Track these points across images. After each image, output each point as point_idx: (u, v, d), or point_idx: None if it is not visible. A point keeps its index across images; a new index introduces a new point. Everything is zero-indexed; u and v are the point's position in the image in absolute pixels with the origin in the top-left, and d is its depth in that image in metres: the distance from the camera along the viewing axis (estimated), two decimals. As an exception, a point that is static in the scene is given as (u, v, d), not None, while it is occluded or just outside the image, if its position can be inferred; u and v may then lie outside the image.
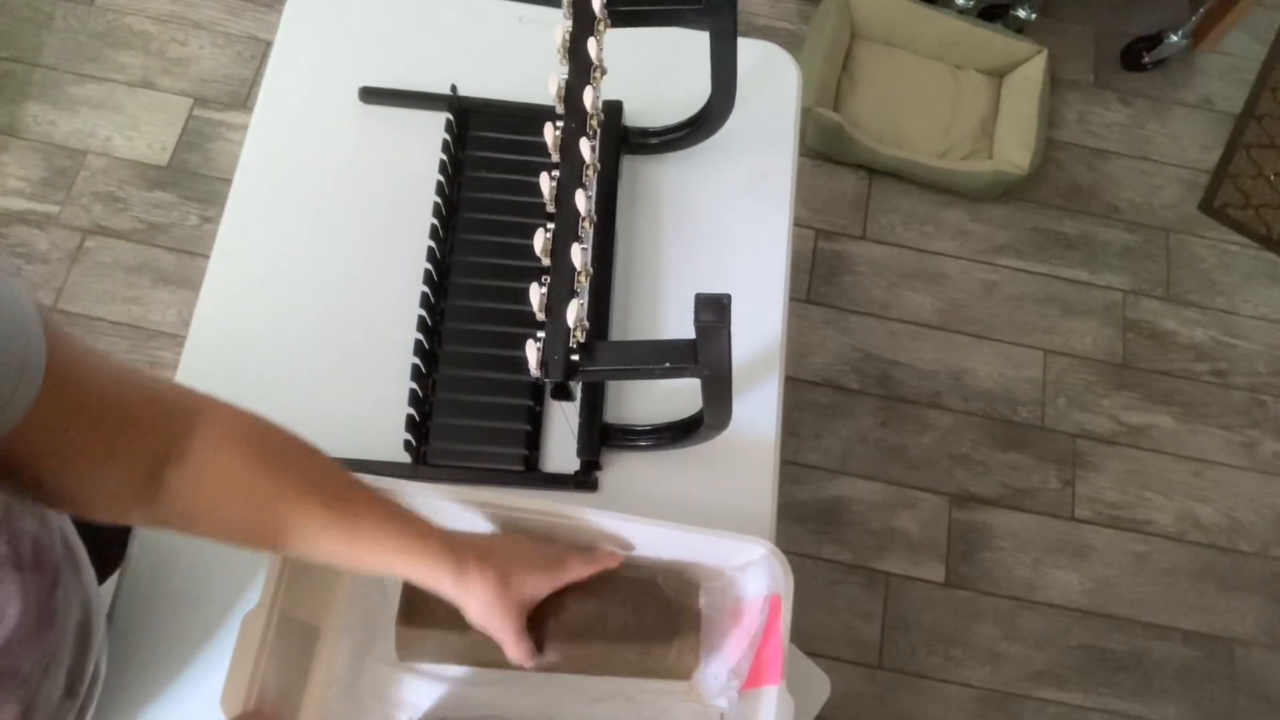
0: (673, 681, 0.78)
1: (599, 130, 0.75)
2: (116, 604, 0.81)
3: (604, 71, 0.76)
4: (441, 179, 0.95)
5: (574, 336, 0.67)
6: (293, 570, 0.73)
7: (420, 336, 0.88)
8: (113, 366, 0.53)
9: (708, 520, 0.76)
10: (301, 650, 0.77)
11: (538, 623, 0.71)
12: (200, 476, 0.57)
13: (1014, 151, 1.85)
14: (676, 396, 0.90)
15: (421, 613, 0.74)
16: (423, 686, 0.78)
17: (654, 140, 0.99)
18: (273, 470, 0.60)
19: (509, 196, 0.95)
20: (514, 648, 0.69)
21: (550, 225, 0.71)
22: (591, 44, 0.75)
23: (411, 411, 0.86)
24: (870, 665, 1.60)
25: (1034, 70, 1.92)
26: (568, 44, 0.76)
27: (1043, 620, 1.65)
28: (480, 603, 0.66)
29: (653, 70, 1.03)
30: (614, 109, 0.99)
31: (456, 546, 0.66)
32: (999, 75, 1.99)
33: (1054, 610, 1.66)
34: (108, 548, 0.79)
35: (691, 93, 0.96)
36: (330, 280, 0.94)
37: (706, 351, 0.64)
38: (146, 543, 0.83)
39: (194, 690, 0.79)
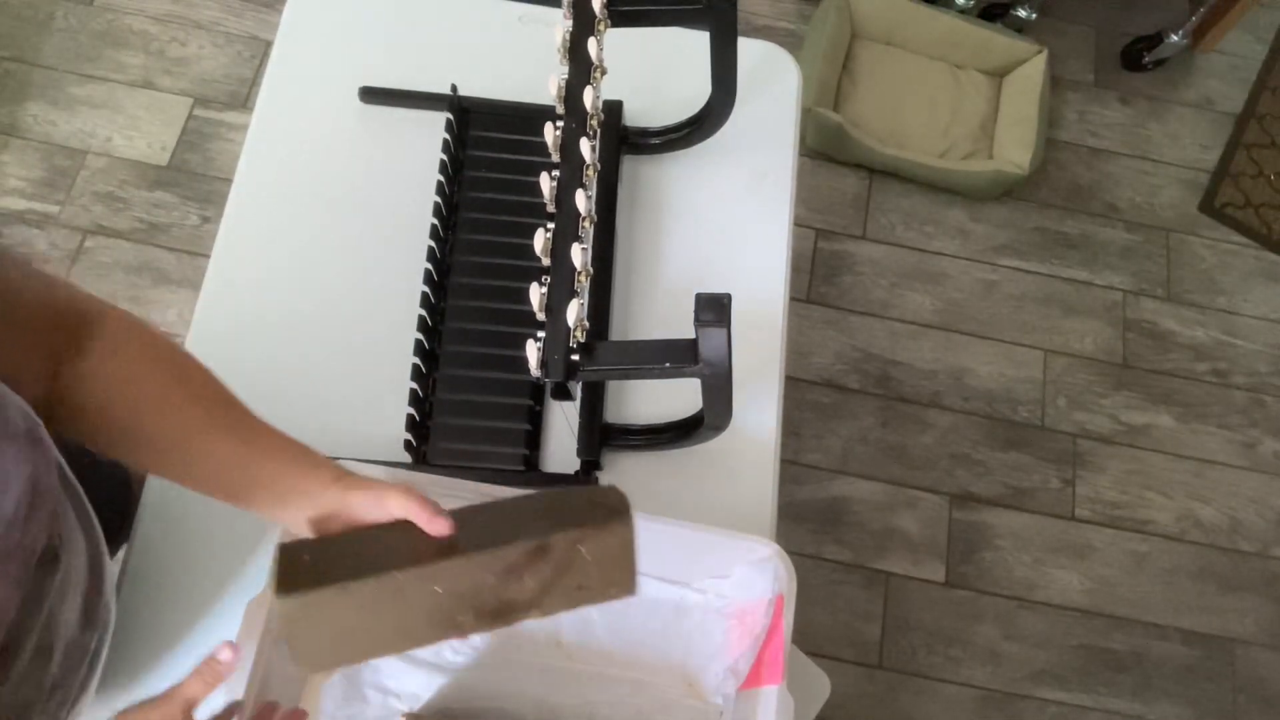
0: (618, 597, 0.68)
1: (599, 130, 0.75)
2: (121, 588, 0.81)
3: (604, 71, 0.76)
4: (441, 179, 0.95)
5: (574, 336, 0.67)
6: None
7: (420, 336, 0.88)
8: (15, 265, 0.56)
9: (708, 520, 0.76)
10: None
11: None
12: (96, 373, 0.60)
13: (1014, 151, 1.85)
14: (676, 396, 0.90)
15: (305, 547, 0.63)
16: (423, 678, 0.78)
17: (654, 140, 0.99)
18: (166, 374, 0.64)
19: (509, 196, 0.95)
20: (416, 502, 0.62)
21: (550, 225, 0.71)
22: (591, 44, 0.75)
23: (412, 411, 0.86)
24: (870, 665, 1.60)
25: (1034, 70, 1.92)
26: (568, 44, 0.76)
27: (1043, 620, 1.65)
28: (370, 483, 0.63)
29: (653, 70, 1.03)
30: (614, 109, 0.99)
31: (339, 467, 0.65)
32: (999, 75, 1.99)
33: (1054, 610, 1.66)
34: (108, 519, 0.79)
35: (691, 93, 0.96)
36: (330, 280, 0.94)
37: (706, 351, 0.64)
38: (151, 527, 0.83)
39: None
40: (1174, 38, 2.01)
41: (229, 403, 0.65)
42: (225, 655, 0.58)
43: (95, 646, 0.66)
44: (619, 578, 0.64)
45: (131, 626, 0.80)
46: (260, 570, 0.73)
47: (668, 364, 0.67)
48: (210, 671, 0.58)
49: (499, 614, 0.63)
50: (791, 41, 2.02)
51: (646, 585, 0.82)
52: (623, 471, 0.88)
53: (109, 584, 0.68)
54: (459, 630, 0.63)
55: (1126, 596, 1.68)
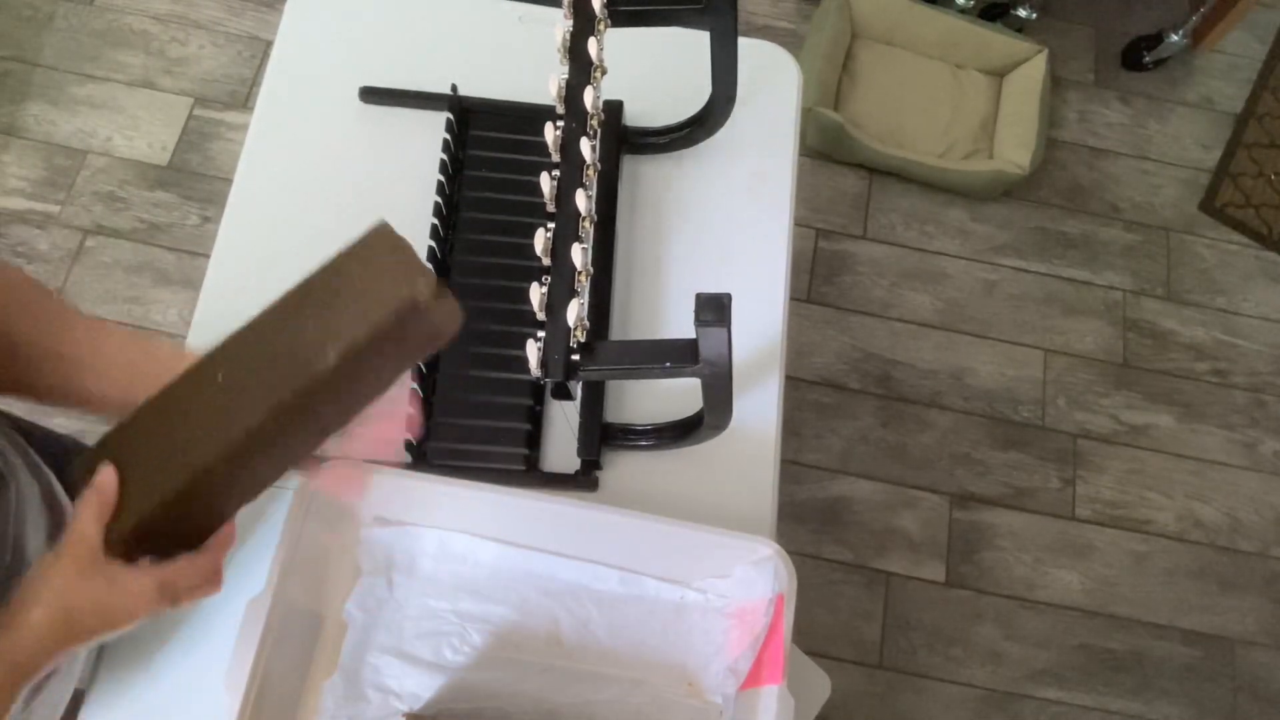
0: None
1: (599, 130, 0.75)
2: None
3: (604, 71, 0.76)
4: (442, 179, 0.95)
5: (574, 336, 0.67)
6: (298, 559, 0.73)
7: (420, 336, 0.88)
8: None
9: (708, 520, 0.76)
10: (303, 638, 0.77)
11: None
12: None
13: (1014, 151, 1.85)
14: (677, 396, 0.90)
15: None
16: (423, 678, 0.78)
17: (654, 140, 0.99)
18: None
19: (509, 196, 0.95)
20: None
21: (551, 225, 0.71)
22: (592, 44, 0.75)
23: (412, 411, 0.86)
24: (870, 665, 1.60)
25: (1034, 70, 1.92)
26: (568, 44, 0.76)
27: (1043, 620, 1.65)
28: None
29: (653, 70, 1.03)
30: (614, 109, 0.99)
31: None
32: (999, 75, 1.99)
33: (1054, 610, 1.66)
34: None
35: (691, 93, 0.96)
36: (330, 280, 0.94)
37: (707, 351, 0.64)
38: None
39: (196, 672, 0.79)
40: (1174, 37, 2.01)
41: (64, 303, 0.65)
42: (106, 476, 0.56)
43: None
44: (405, 276, 0.56)
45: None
46: (261, 570, 0.73)
47: (668, 364, 0.67)
48: (102, 499, 0.55)
49: (306, 361, 0.55)
50: (792, 41, 2.02)
51: (646, 585, 0.82)
52: (623, 471, 0.88)
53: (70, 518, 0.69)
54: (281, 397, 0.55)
55: (1127, 596, 1.68)
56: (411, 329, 0.57)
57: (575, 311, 0.66)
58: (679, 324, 0.94)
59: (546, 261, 0.70)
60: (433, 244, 0.91)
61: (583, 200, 0.71)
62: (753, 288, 0.96)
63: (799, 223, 1.87)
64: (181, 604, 0.58)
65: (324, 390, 0.55)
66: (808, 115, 1.80)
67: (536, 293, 0.68)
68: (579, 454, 0.87)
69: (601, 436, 0.87)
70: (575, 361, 0.67)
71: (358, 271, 0.58)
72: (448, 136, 0.96)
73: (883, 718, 1.58)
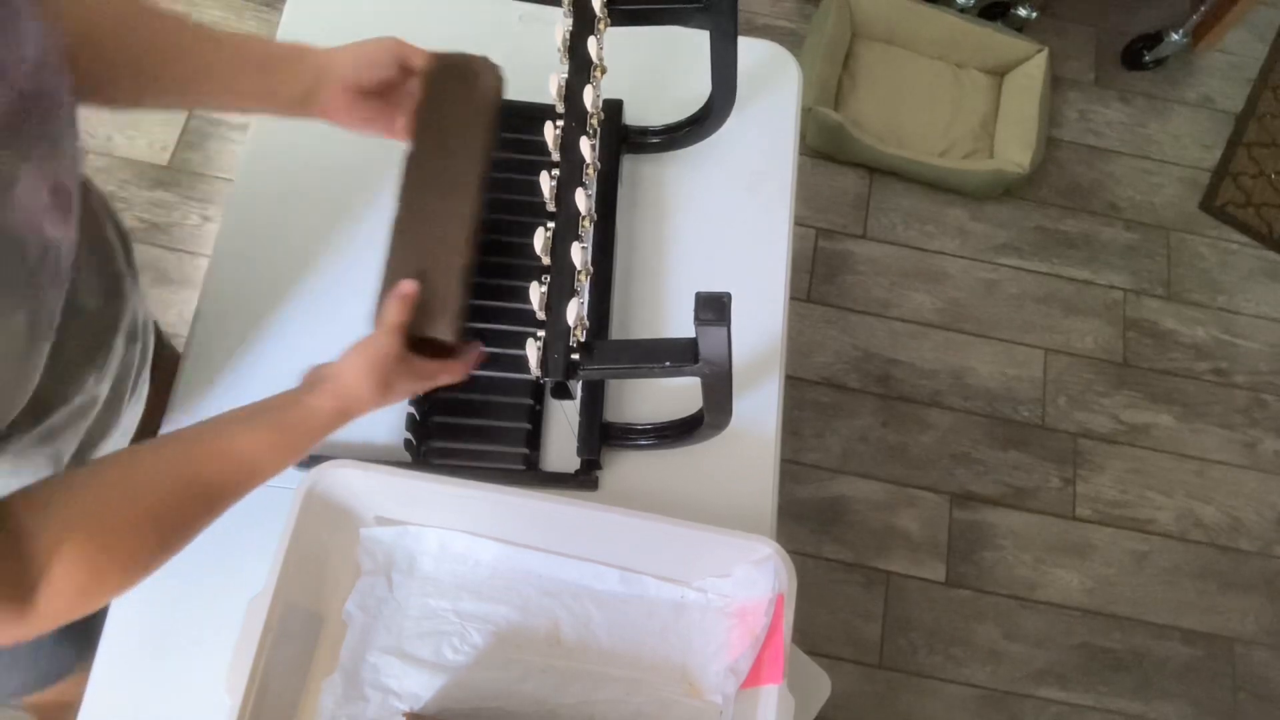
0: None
1: (599, 129, 0.75)
2: None
3: (604, 70, 0.76)
4: (441, 178, 0.94)
5: (574, 335, 0.67)
6: (298, 558, 0.73)
7: (420, 336, 0.88)
8: None
9: (708, 520, 0.76)
10: (304, 638, 0.77)
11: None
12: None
13: (1015, 150, 1.85)
14: (677, 396, 0.90)
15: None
16: (423, 677, 0.78)
17: (654, 139, 0.99)
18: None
19: (509, 195, 0.95)
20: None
21: (550, 224, 0.71)
22: (591, 43, 0.75)
23: (412, 410, 0.86)
24: (870, 664, 1.60)
25: (1035, 69, 1.92)
26: (568, 43, 0.76)
27: (1043, 619, 1.65)
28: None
29: (653, 69, 1.03)
30: (614, 108, 0.99)
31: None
32: (1000, 74, 1.99)
33: (1054, 609, 1.66)
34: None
35: (692, 92, 0.96)
36: (330, 279, 0.94)
37: (707, 350, 0.64)
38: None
39: (196, 672, 0.79)
40: (1175, 36, 2.01)
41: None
42: (409, 285, 0.73)
43: (134, 332, 0.74)
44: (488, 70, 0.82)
45: (130, 624, 0.80)
46: (261, 569, 0.73)
47: (668, 363, 0.67)
48: (404, 300, 0.71)
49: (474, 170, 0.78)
50: (792, 40, 2.02)
51: (646, 584, 0.82)
52: (623, 471, 0.88)
53: (129, 266, 0.76)
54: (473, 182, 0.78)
55: (1127, 596, 1.68)
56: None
57: (575, 311, 0.66)
58: (679, 324, 0.94)
59: (546, 261, 0.70)
60: (432, 243, 0.91)
61: (582, 199, 0.71)
62: (753, 287, 0.96)
63: (799, 222, 1.87)
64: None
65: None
66: (808, 115, 1.80)
67: (536, 292, 0.68)
68: (579, 453, 0.87)
69: (601, 436, 0.87)
70: (575, 361, 0.67)
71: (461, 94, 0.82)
72: (447, 136, 0.96)
73: (883, 718, 1.58)
